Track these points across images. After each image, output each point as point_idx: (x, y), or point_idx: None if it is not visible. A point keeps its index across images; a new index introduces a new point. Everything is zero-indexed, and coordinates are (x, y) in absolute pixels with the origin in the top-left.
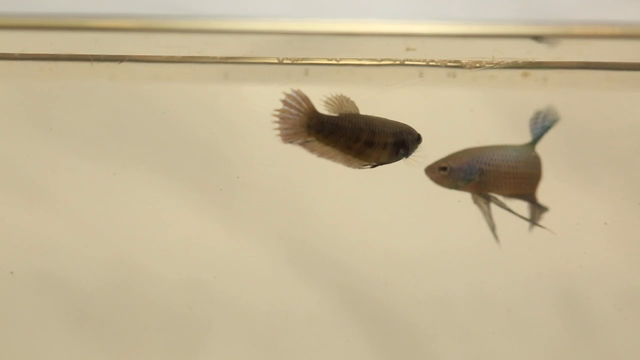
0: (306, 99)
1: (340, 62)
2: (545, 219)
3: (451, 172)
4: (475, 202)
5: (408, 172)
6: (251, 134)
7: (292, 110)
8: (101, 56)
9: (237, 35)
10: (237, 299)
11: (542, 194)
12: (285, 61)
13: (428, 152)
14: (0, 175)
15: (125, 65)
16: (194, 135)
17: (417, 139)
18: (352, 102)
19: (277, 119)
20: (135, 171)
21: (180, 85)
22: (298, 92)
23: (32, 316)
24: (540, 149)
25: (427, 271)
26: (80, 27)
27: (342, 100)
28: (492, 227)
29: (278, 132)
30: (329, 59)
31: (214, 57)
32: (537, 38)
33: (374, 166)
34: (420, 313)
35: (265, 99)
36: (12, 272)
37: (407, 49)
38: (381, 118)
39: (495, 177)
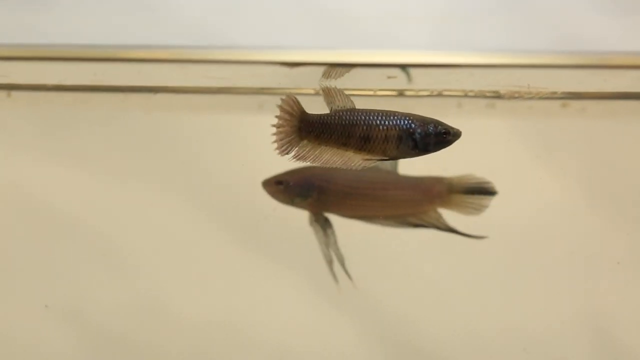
0: (297, 103)
1: (377, 93)
2: (584, 258)
3: (287, 187)
4: (311, 224)
5: None
6: (285, 164)
7: (286, 117)
8: (136, 87)
9: (272, 66)
10: (267, 340)
11: (579, 230)
12: (320, 92)
13: None
14: (34, 207)
15: (160, 96)
16: (228, 166)
17: (443, 133)
18: (347, 96)
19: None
20: (169, 204)
21: (215, 116)
22: (290, 97)
23: (56, 350)
24: (578, 181)
25: (459, 308)
26: (115, 58)
27: (335, 94)
28: (329, 259)
29: (275, 145)
30: (367, 89)
31: (249, 88)
32: None
33: (382, 160)
34: (453, 350)
35: None
36: (46, 306)
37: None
38: (389, 111)
39: (336, 196)
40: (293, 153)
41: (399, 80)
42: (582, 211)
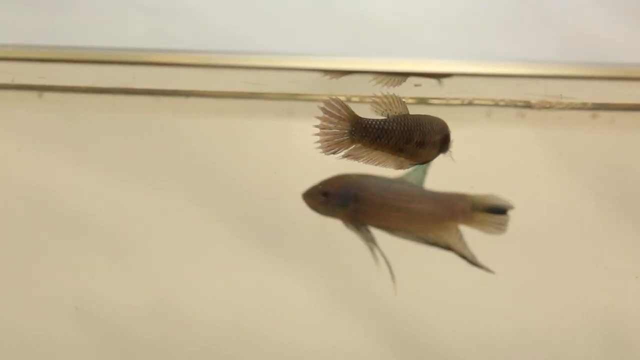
0: (345, 106)
1: (408, 102)
2: (605, 268)
3: (330, 198)
4: (347, 227)
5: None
6: (314, 170)
7: (333, 119)
8: (168, 91)
9: (303, 72)
10: (282, 341)
11: (605, 241)
12: (353, 99)
13: (493, 192)
14: (61, 208)
15: (192, 100)
16: (257, 171)
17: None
18: (403, 103)
19: (318, 131)
20: (196, 207)
21: (244, 122)
22: (336, 100)
23: (73, 352)
24: (607, 192)
25: (471, 311)
26: (147, 62)
27: (392, 101)
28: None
29: (319, 144)
30: (398, 97)
31: (279, 94)
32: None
33: (420, 164)
34: (464, 353)
35: None
36: (77, 308)
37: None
38: (427, 116)
39: (369, 205)
40: (342, 153)
41: (426, 88)
42: (611, 222)
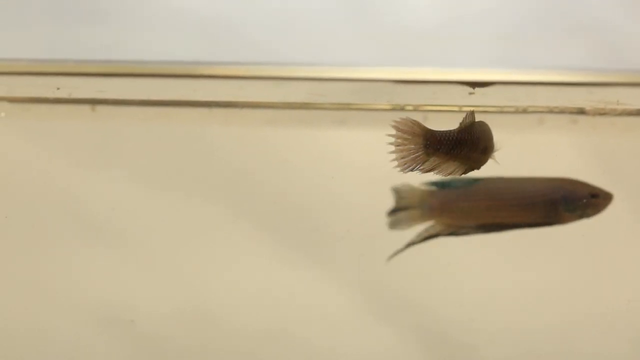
0: (417, 123)
1: (462, 109)
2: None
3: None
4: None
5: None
6: (356, 180)
7: (406, 136)
8: (219, 102)
9: (355, 82)
10: (315, 344)
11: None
12: (407, 107)
13: None
14: (102, 220)
15: (243, 111)
16: (309, 181)
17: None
18: (473, 112)
19: (392, 149)
20: (232, 218)
21: (295, 131)
22: (408, 118)
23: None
24: None
25: (507, 309)
26: (198, 74)
27: (469, 113)
28: None
29: (395, 163)
30: (449, 106)
31: (331, 104)
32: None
33: (478, 169)
34: (498, 352)
35: (380, 145)
36: (132, 320)
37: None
38: (483, 122)
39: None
40: (420, 168)
41: (480, 96)
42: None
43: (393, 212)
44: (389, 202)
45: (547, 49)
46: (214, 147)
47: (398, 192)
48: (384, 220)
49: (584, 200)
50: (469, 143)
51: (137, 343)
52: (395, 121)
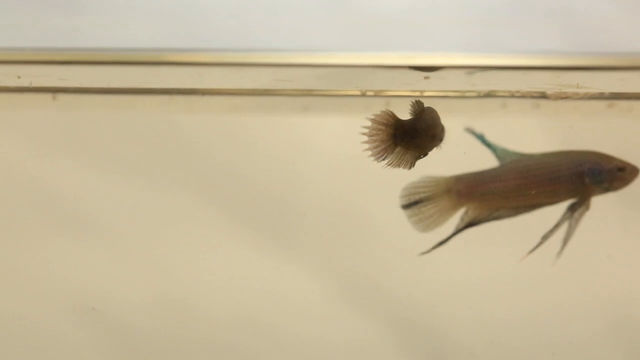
0: (392, 114)
1: (424, 94)
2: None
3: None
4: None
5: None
6: (326, 166)
7: (380, 126)
8: (182, 89)
9: (318, 68)
10: (291, 334)
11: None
12: (368, 93)
13: None
14: (66, 210)
15: (205, 98)
16: (266, 168)
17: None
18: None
19: (357, 133)
20: (201, 206)
21: (259, 118)
22: (386, 111)
23: (75, 351)
24: None
25: (478, 297)
26: (161, 61)
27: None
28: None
29: (369, 152)
30: (411, 91)
31: (293, 90)
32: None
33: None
34: (473, 340)
35: (345, 131)
36: (93, 308)
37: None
38: (430, 107)
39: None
40: (388, 160)
41: (443, 81)
42: (621, 214)
43: (415, 204)
44: (356, 188)
45: (509, 33)
46: (176, 135)
47: (415, 185)
48: (351, 205)
49: (611, 173)
50: (423, 130)
51: (110, 331)
52: (374, 114)
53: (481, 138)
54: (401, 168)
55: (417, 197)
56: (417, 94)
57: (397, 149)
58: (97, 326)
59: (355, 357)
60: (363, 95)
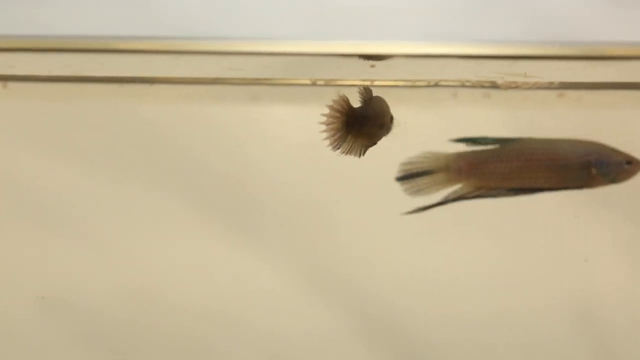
0: (347, 100)
1: (374, 84)
2: (573, 249)
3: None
4: None
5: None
6: (278, 156)
7: (336, 114)
8: (129, 78)
9: (268, 57)
10: (256, 325)
11: (571, 221)
12: (318, 82)
13: None
14: (28, 198)
15: (153, 87)
16: (220, 157)
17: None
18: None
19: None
20: (160, 195)
21: (208, 108)
22: (342, 96)
23: (51, 340)
24: None
25: (445, 294)
26: (108, 49)
27: (367, 87)
28: None
29: (328, 142)
30: (362, 80)
31: (243, 79)
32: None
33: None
34: (439, 336)
35: (295, 120)
36: (43, 297)
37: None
38: (379, 96)
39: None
40: (342, 147)
41: (393, 70)
42: (575, 200)
43: (411, 177)
44: (312, 177)
45: (459, 22)
46: (127, 123)
47: (418, 158)
48: (308, 194)
49: (619, 166)
50: (372, 119)
51: (75, 321)
52: (333, 100)
53: (472, 140)
54: (352, 155)
55: (414, 170)
56: (368, 83)
57: (349, 137)
58: (63, 316)
59: (318, 348)
60: (313, 84)
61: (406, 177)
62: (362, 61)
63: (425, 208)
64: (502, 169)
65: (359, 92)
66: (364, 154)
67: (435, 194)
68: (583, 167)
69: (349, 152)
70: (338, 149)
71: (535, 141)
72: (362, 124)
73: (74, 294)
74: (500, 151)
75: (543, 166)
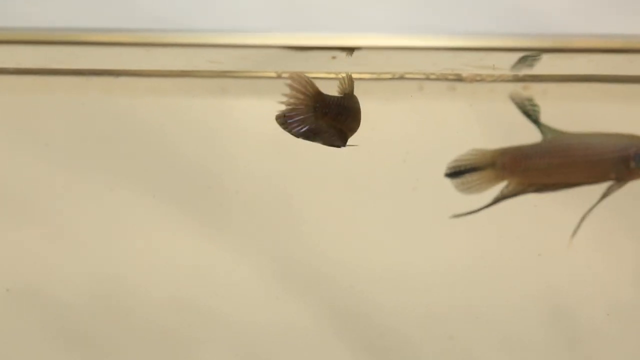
0: (311, 82)
1: (339, 76)
2: (536, 240)
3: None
4: None
5: (403, 190)
6: (247, 148)
7: (299, 95)
8: (97, 70)
9: (235, 49)
10: (227, 316)
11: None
12: (283, 75)
13: (426, 166)
14: None
15: (122, 79)
16: (189, 150)
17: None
18: (353, 81)
19: (284, 106)
20: (130, 187)
21: (177, 100)
22: (302, 76)
23: (20, 333)
24: None
25: (418, 288)
26: (76, 41)
27: (348, 79)
28: None
29: (285, 118)
30: (327, 72)
31: (211, 72)
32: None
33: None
34: (411, 330)
35: (263, 113)
36: (7, 290)
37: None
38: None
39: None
40: (306, 129)
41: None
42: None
43: (460, 173)
44: (281, 169)
45: (425, 14)
46: (93, 116)
47: (461, 157)
48: (277, 186)
49: None
50: (351, 111)
51: (44, 314)
52: (290, 77)
53: (525, 110)
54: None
55: (462, 167)
56: (332, 75)
57: (323, 126)
58: (31, 308)
59: (289, 339)
60: (279, 77)
61: (455, 173)
62: (327, 53)
63: (476, 211)
64: (544, 164)
65: (340, 83)
66: (344, 145)
67: (483, 192)
68: (622, 160)
69: (330, 143)
70: (301, 130)
71: (573, 136)
72: (338, 112)
73: (42, 286)
74: (541, 147)
75: (583, 161)
